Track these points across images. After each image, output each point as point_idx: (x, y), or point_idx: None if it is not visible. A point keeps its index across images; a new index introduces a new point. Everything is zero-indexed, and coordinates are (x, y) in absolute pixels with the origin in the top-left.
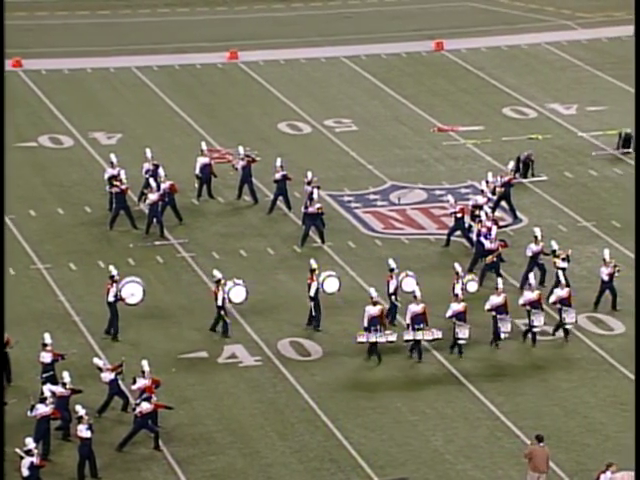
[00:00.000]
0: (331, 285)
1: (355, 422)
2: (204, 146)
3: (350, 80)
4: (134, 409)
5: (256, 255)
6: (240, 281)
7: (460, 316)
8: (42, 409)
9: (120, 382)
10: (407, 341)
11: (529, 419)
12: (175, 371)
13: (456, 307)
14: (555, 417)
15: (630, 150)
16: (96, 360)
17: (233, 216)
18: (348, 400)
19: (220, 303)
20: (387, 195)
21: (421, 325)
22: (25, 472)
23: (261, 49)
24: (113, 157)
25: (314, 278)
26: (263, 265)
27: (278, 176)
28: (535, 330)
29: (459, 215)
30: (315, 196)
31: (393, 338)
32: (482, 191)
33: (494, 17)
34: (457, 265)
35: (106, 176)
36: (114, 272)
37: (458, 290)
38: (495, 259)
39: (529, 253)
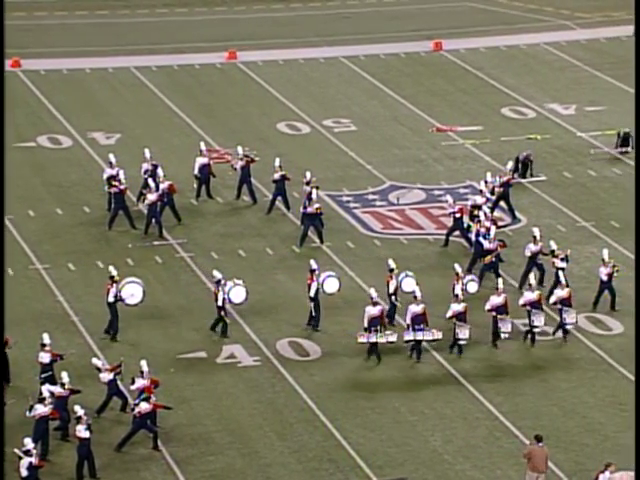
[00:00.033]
0: (331, 285)
1: (354, 422)
2: (203, 146)
3: (349, 80)
4: (133, 409)
5: (255, 255)
6: (240, 281)
7: (460, 316)
8: (41, 409)
9: (119, 382)
10: (407, 341)
11: (528, 419)
12: (174, 371)
13: (456, 307)
14: (554, 417)
15: (628, 149)
16: (95, 360)
17: (232, 216)
18: (347, 400)
19: (220, 304)
20: (386, 195)
21: (422, 326)
22: (24, 472)
23: (260, 49)
24: (112, 157)
25: (314, 278)
26: (262, 265)
27: (277, 176)
28: (536, 330)
29: (458, 215)
30: (314, 196)
31: (393, 338)
32: (481, 191)
33: (493, 17)
34: (457, 266)
35: (105, 176)
36: (114, 272)
37: (458, 290)
38: (493, 259)
39: (528, 253)
